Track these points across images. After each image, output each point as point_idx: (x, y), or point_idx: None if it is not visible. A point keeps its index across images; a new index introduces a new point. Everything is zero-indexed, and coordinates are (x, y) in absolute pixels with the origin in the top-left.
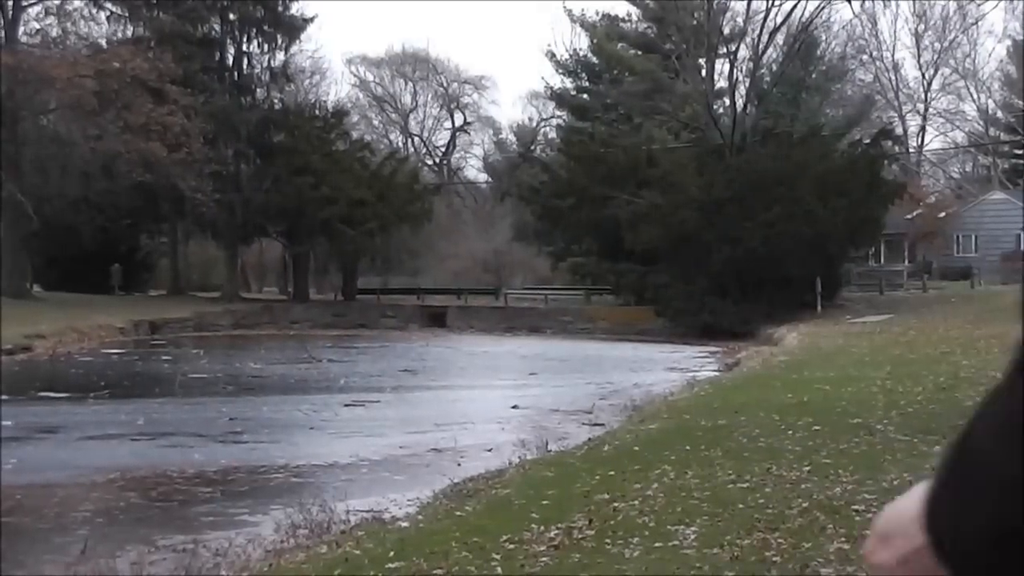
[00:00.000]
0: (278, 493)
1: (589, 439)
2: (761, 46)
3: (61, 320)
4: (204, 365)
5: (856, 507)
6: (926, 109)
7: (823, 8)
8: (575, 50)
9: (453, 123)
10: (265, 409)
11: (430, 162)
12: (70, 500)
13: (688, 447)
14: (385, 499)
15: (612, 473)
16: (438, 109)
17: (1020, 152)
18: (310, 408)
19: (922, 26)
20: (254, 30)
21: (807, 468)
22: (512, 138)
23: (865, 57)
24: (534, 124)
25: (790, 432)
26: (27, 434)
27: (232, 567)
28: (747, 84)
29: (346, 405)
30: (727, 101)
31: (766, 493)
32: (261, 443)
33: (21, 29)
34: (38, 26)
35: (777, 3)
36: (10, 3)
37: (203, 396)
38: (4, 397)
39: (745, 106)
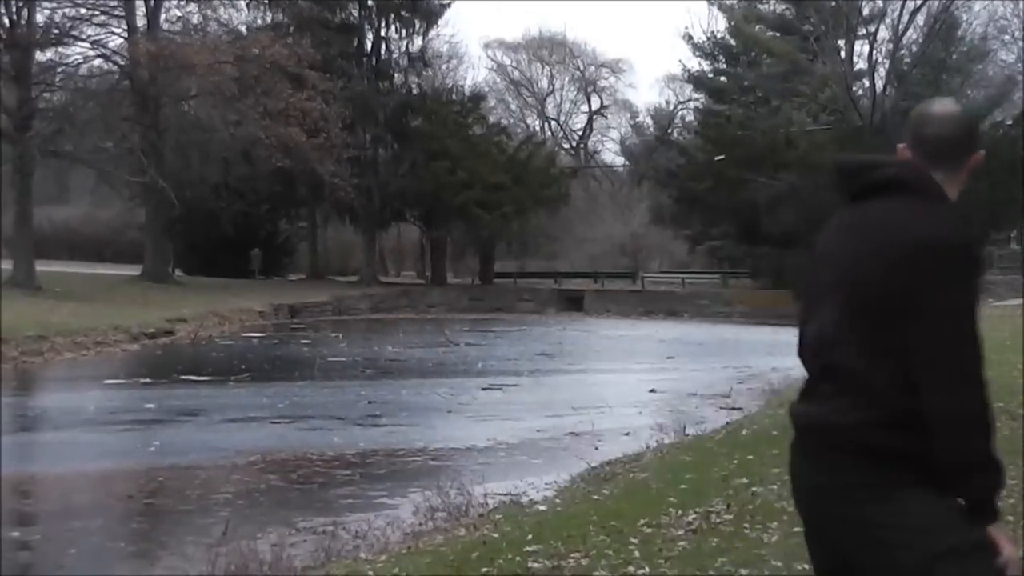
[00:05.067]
0: (416, 476)
1: (727, 423)
2: (901, 26)
3: (202, 304)
4: (343, 348)
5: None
6: None
7: None
8: (712, 32)
9: (590, 106)
10: (404, 392)
11: (567, 146)
12: (212, 482)
13: None
14: (523, 482)
15: (751, 457)
16: (575, 93)
17: None
18: (448, 391)
19: None
20: (392, 15)
21: None
22: (649, 121)
23: (1007, 37)
24: (671, 107)
25: None
26: (169, 417)
27: (371, 549)
28: (887, 65)
29: (484, 388)
30: (866, 82)
31: None
32: (400, 426)
33: (163, 16)
34: (179, 13)
35: None
36: None
37: (342, 379)
38: (147, 380)
39: (885, 87)
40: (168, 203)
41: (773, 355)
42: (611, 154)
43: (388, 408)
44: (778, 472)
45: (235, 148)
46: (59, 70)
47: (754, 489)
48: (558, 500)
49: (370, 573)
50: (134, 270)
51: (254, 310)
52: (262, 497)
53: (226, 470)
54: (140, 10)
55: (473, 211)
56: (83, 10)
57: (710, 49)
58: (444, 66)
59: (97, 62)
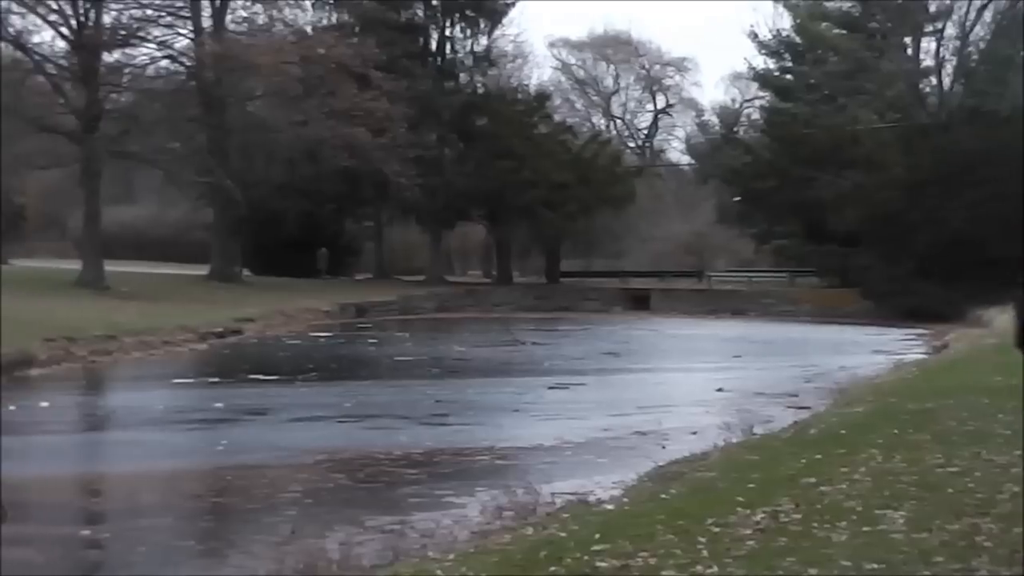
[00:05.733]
0: (483, 475)
1: (794, 422)
2: (968, 23)
3: (269, 303)
4: (409, 348)
5: None
6: None
7: None
8: (778, 30)
9: (655, 105)
10: (470, 391)
11: (632, 144)
12: (279, 481)
13: (895, 431)
14: (590, 481)
15: (818, 457)
16: (640, 91)
17: None
18: (514, 390)
19: None
20: (457, 15)
21: (1017, 452)
22: (714, 119)
23: None
24: (736, 105)
25: (999, 415)
26: (236, 416)
27: (439, 548)
28: (953, 62)
29: (550, 388)
30: (933, 80)
31: (975, 477)
32: (466, 425)
33: (228, 17)
34: (245, 14)
35: None
36: None
37: (408, 378)
38: (215, 379)
39: (951, 84)
40: (234, 203)
41: (840, 354)
42: (676, 153)
43: (454, 407)
44: (846, 471)
45: (300, 148)
46: (126, 71)
47: (822, 488)
48: (625, 499)
49: (438, 572)
50: (201, 270)
51: (320, 309)
52: (329, 496)
53: (293, 469)
54: (206, 11)
55: (538, 210)
56: (150, 11)
57: (776, 47)
58: (509, 65)
59: (164, 63)
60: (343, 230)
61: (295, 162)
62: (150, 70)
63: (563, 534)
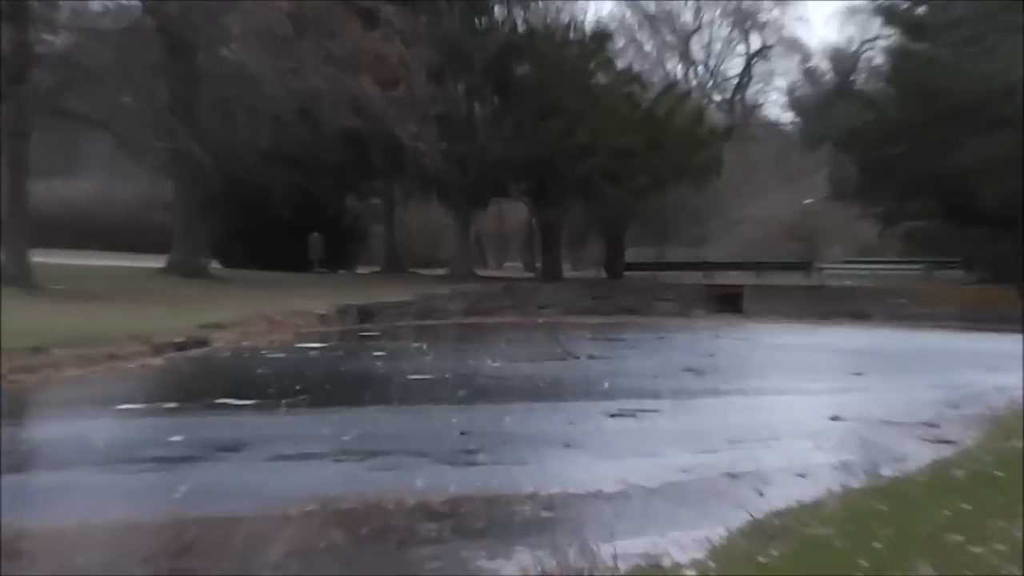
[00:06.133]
0: (524, 530)
1: (935, 461)
2: None
3: (246, 305)
4: (428, 363)
5: None
6: None
7: None
8: None
9: (748, 47)
10: (507, 420)
11: (719, 98)
12: (257, 537)
13: None
14: (664, 539)
15: (967, 507)
16: (728, 29)
17: None
18: (565, 419)
19: None
20: None
21: None
22: (825, 65)
23: None
24: (854, 47)
25: None
26: (203, 453)
27: None
28: None
29: (612, 415)
30: None
31: None
32: (501, 464)
33: None
34: None
35: None
36: None
37: (427, 403)
38: (173, 404)
39: None
40: (203, 175)
41: (994, 370)
42: (776, 108)
43: (487, 440)
44: (1005, 526)
45: (290, 104)
46: (64, 5)
47: (973, 549)
48: (711, 563)
49: None
50: (158, 262)
51: (313, 313)
52: (323, 558)
53: (276, 522)
54: None
55: (597, 184)
56: None
57: None
58: None
59: None
60: (344, 210)
61: (283, 122)
62: (95, 4)
63: None
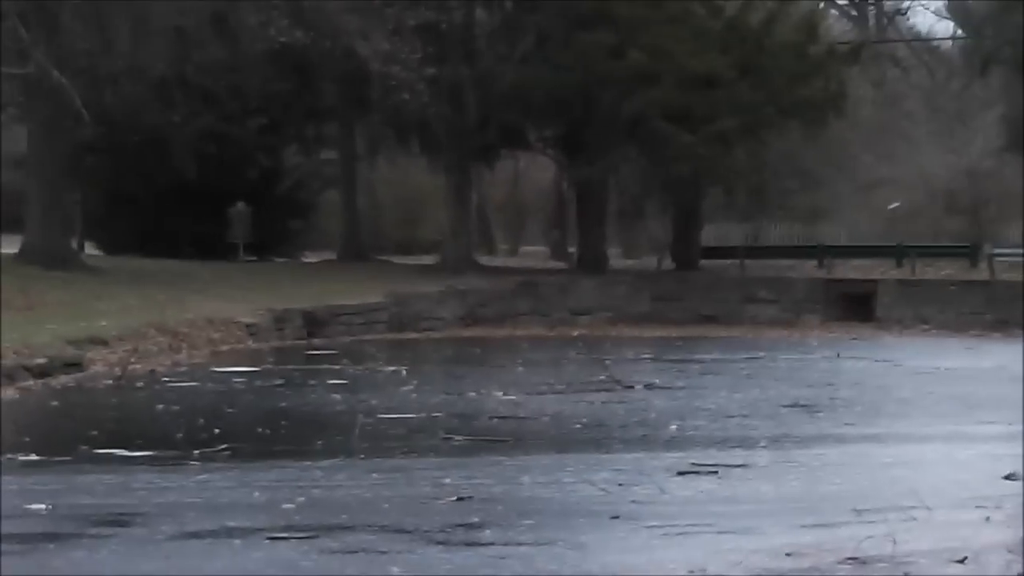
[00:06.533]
0: None
1: None
2: None
3: (136, 310)
4: (409, 396)
5: None
6: None
7: None
8: None
9: None
10: (526, 480)
11: (842, 0)
12: None
13: None
14: None
15: None
16: None
17: None
18: (612, 478)
19: None
20: None
21: None
22: None
23: None
24: None
25: None
26: (78, 528)
27: None
28: None
29: (681, 473)
30: None
31: None
32: (518, 545)
33: None
34: None
35: None
36: None
37: (406, 455)
38: (32, 457)
39: None
40: (70, 117)
41: None
42: (928, 18)
43: (495, 510)
44: None
45: (199, 13)
46: None
47: None
48: None
49: None
50: (10, 246)
51: (236, 322)
52: None
53: None
54: None
55: (659, 128)
56: None
57: None
58: None
59: None
60: (280, 169)
61: (188, 37)
62: None
63: None
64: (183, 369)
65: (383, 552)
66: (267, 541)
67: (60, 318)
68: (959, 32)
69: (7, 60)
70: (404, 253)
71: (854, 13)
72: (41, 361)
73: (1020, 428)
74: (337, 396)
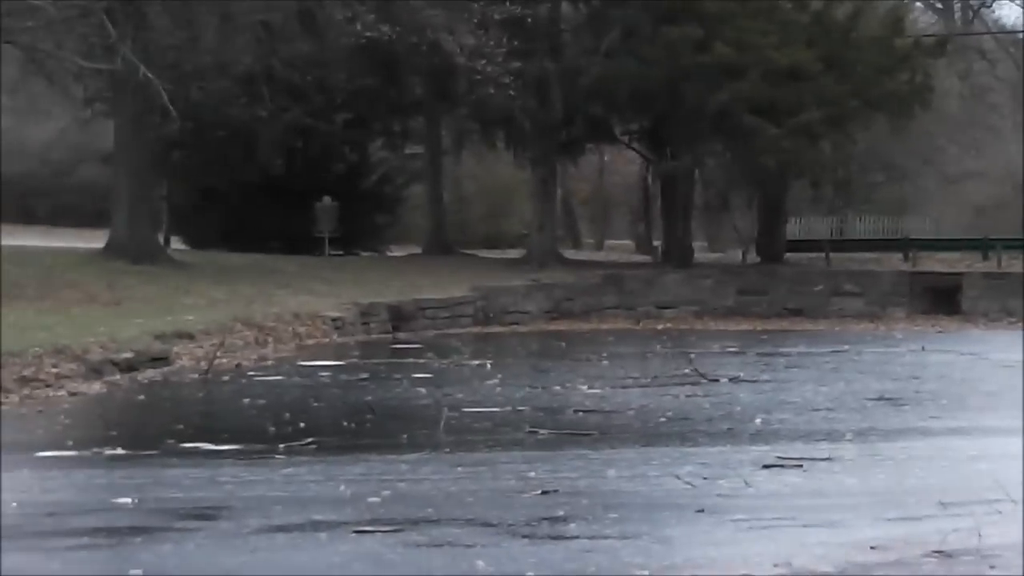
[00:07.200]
0: None
1: None
2: None
3: (223, 305)
4: (493, 389)
5: None
6: None
7: None
8: None
9: None
10: (610, 474)
11: None
12: None
13: None
14: None
15: None
16: None
17: None
18: (697, 471)
19: None
20: None
21: None
22: None
23: None
24: None
25: None
26: (164, 522)
27: None
28: None
29: (767, 466)
30: None
31: None
32: (604, 538)
33: None
34: None
35: None
36: None
37: (491, 448)
38: (119, 451)
39: None
40: (157, 112)
41: None
42: (1013, 10)
43: (581, 503)
44: None
45: (286, 7)
46: None
47: None
48: None
49: None
50: (93, 240)
51: (322, 316)
52: None
53: None
54: None
55: (745, 121)
56: None
57: None
58: None
59: None
60: (367, 164)
61: (275, 32)
62: None
63: None
64: (269, 363)
65: (469, 546)
66: (353, 535)
67: (146, 313)
68: None
69: (94, 56)
70: (489, 247)
71: (939, 6)
72: (128, 355)
73: None
74: (422, 390)
